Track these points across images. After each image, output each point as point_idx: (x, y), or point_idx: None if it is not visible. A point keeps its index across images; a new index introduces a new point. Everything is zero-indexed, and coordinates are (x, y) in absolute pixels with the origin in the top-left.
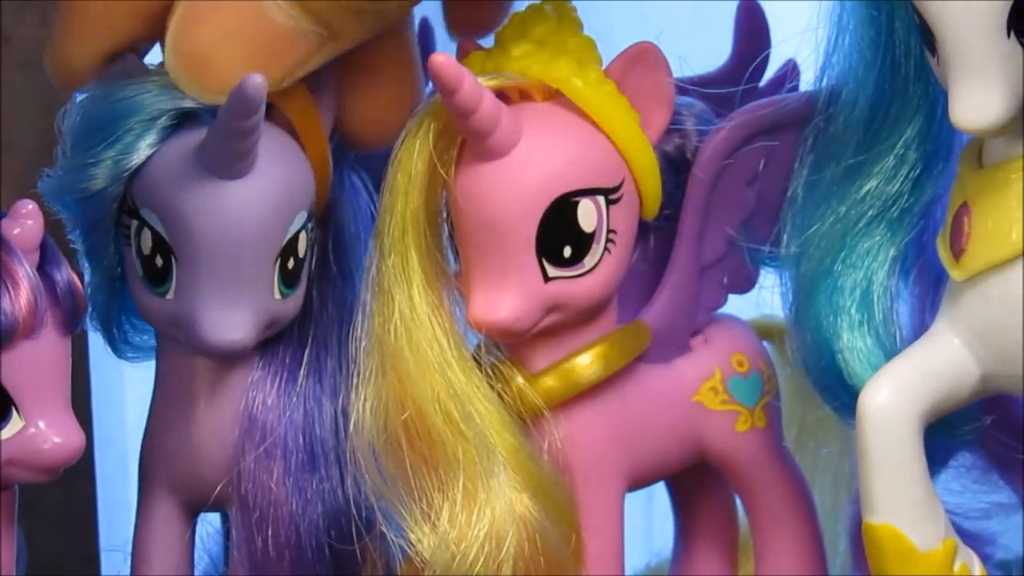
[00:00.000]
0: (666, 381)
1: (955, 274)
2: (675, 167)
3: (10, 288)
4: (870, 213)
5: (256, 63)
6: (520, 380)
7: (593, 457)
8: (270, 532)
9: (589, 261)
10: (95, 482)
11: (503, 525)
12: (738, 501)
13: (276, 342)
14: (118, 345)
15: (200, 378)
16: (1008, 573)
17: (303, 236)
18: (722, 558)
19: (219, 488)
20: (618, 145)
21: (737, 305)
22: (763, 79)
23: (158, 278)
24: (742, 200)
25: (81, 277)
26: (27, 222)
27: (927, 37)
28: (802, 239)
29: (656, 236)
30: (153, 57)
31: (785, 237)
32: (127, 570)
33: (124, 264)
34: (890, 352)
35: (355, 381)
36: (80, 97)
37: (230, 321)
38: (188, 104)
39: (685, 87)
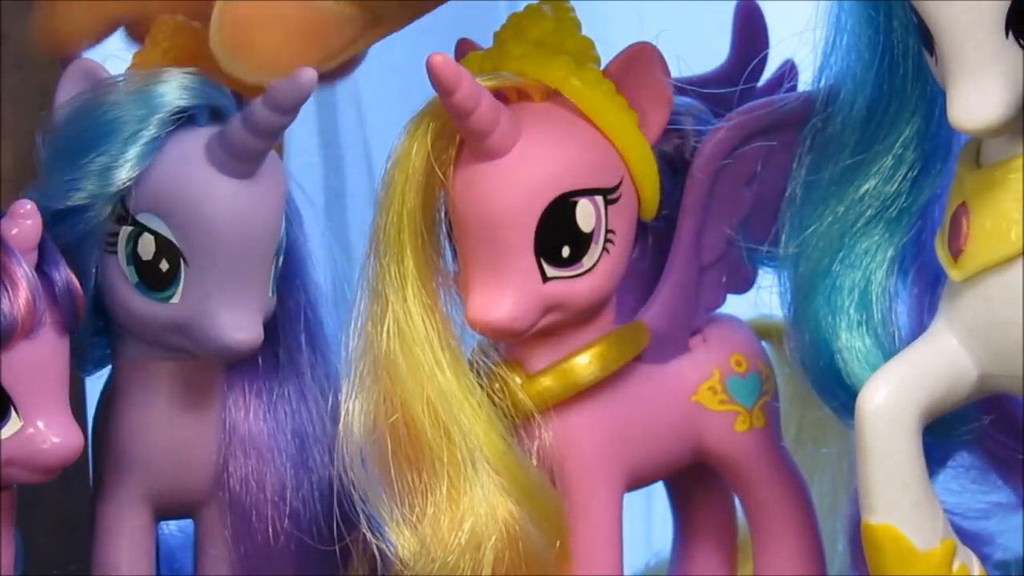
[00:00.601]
0: (664, 381)
1: (953, 274)
2: (673, 167)
3: (8, 288)
4: (868, 213)
5: (299, 46)
6: (518, 380)
7: (592, 457)
8: (257, 535)
9: (587, 261)
10: (91, 482)
11: (484, 530)
12: (737, 501)
13: None
14: (83, 362)
15: (173, 384)
16: (1007, 573)
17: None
18: (721, 558)
19: (199, 493)
20: (616, 145)
21: (736, 305)
22: (761, 79)
23: (161, 283)
24: (740, 200)
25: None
26: (25, 222)
27: (925, 37)
28: (800, 239)
29: (654, 236)
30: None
31: (783, 237)
32: None
33: (101, 277)
34: (888, 352)
35: (345, 381)
36: (57, 116)
37: (242, 321)
38: (165, 109)
39: (683, 87)
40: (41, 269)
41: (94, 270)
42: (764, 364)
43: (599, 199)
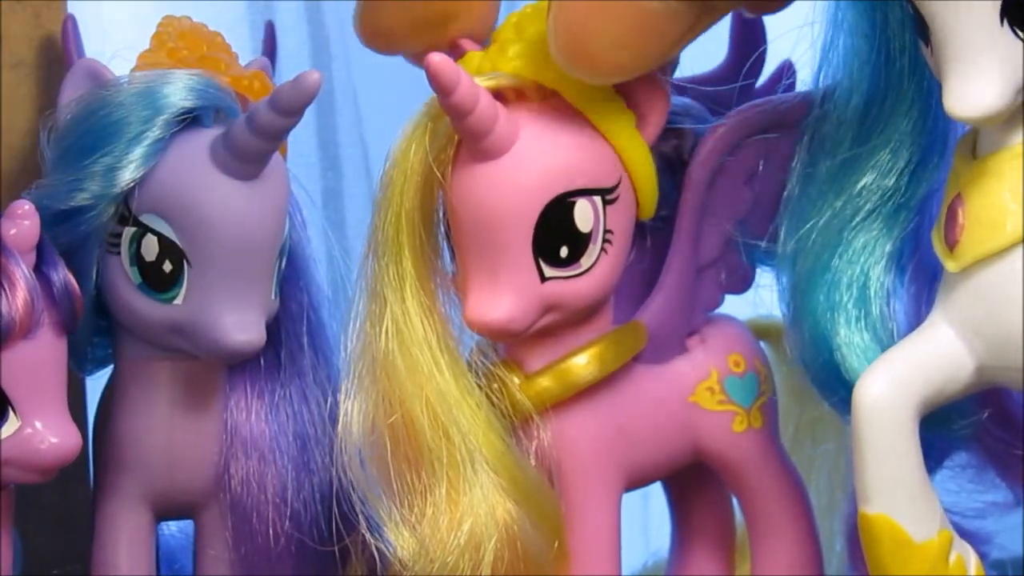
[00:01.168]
0: (662, 381)
1: (949, 265)
2: (672, 167)
3: (7, 289)
4: (866, 208)
5: (634, 47)
6: (516, 381)
7: (590, 457)
8: (258, 536)
9: (586, 261)
10: (90, 482)
11: (483, 530)
12: (735, 501)
13: None
14: (84, 362)
15: (175, 385)
16: (1004, 572)
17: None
18: (719, 558)
19: (200, 494)
20: (614, 145)
21: (734, 305)
22: (759, 78)
23: (164, 284)
24: (739, 200)
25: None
26: (23, 222)
27: (921, 27)
28: (799, 235)
29: (653, 236)
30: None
31: (782, 234)
32: None
33: (103, 278)
34: (887, 347)
35: (344, 382)
36: (61, 116)
37: (245, 322)
38: (170, 110)
39: (681, 86)
40: (39, 269)
41: (95, 270)
42: (762, 364)
43: (597, 199)
